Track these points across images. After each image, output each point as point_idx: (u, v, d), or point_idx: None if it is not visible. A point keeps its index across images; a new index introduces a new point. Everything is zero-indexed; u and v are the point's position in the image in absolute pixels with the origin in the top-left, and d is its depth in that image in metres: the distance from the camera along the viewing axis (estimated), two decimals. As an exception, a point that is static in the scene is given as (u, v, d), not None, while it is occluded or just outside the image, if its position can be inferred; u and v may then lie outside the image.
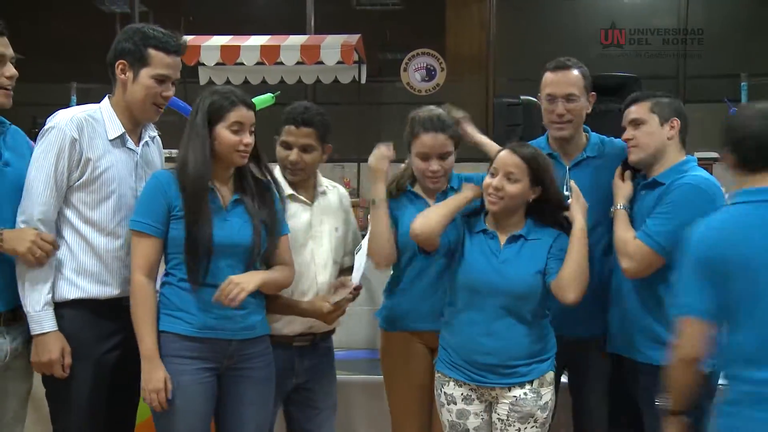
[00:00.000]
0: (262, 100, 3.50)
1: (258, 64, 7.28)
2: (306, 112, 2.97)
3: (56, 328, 2.78)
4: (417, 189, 3.15)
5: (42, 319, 2.74)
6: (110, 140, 2.82)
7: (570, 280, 2.82)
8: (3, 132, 2.81)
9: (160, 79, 2.83)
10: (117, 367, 2.81)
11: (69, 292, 2.83)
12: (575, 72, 3.17)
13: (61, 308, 2.88)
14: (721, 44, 8.92)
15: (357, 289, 3.03)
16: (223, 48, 7.02)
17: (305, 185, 3.06)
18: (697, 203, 2.75)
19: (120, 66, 2.85)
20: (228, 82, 6.99)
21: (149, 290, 2.74)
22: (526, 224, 2.98)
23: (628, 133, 2.98)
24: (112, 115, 2.85)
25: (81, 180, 2.77)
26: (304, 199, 3.05)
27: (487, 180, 2.88)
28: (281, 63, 7.30)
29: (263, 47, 7.24)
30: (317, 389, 3.13)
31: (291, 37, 7.53)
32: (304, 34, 8.20)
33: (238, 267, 2.84)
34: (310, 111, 2.98)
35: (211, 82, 7.87)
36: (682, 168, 2.90)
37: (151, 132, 3.01)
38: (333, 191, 3.18)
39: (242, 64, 7.21)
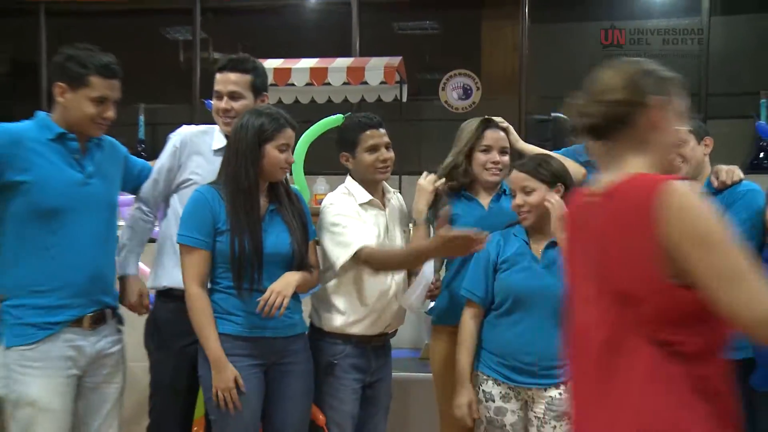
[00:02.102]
0: (331, 120, 3.52)
1: (307, 84, 7.30)
2: (373, 116, 3.06)
3: (136, 273, 2.98)
4: (468, 191, 3.21)
5: (125, 265, 2.98)
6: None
7: None
8: (96, 147, 2.84)
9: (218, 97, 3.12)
10: (195, 360, 2.84)
11: (163, 279, 2.92)
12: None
13: (157, 297, 3.02)
14: (741, 63, 8.77)
15: (433, 291, 3.04)
16: (276, 70, 7.04)
17: (377, 193, 3.10)
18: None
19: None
20: (280, 101, 7.01)
21: (205, 298, 2.77)
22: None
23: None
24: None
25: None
26: (380, 205, 3.09)
27: (513, 202, 2.95)
28: (329, 83, 7.32)
29: (312, 69, 7.26)
30: (381, 387, 3.15)
31: (338, 59, 7.54)
32: (350, 56, 8.21)
33: (278, 273, 2.87)
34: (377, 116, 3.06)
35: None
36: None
37: None
38: (395, 196, 3.23)
39: (293, 84, 7.23)
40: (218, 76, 3.12)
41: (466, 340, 2.98)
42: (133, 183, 3.13)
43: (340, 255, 2.92)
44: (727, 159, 3.34)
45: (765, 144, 7.66)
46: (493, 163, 3.14)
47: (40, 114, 2.81)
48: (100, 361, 2.84)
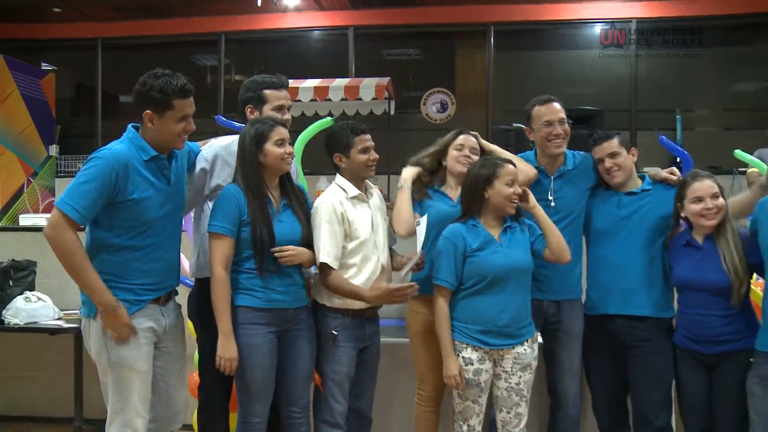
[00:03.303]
0: (322, 123, 3.51)
1: (312, 100, 7.28)
2: (360, 124, 3.05)
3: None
4: (443, 189, 3.21)
5: None
6: None
7: (561, 246, 2.95)
8: (175, 158, 2.81)
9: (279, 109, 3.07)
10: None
11: (206, 271, 2.93)
12: (558, 104, 3.23)
13: (199, 283, 3.02)
14: (662, 86, 8.82)
15: (419, 264, 3.02)
16: (287, 89, 6.99)
17: (362, 189, 3.09)
18: None
19: (249, 109, 3.06)
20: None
21: (226, 280, 2.74)
22: (505, 218, 3.01)
23: None
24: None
25: None
26: (365, 198, 3.07)
27: (509, 190, 2.94)
28: (329, 99, 7.32)
29: (316, 87, 7.26)
30: (372, 351, 3.13)
31: (337, 80, 7.53)
32: (347, 77, 8.19)
33: None
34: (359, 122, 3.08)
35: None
36: None
37: None
38: (375, 192, 3.20)
39: (300, 100, 7.21)
40: (277, 92, 3.07)
41: (446, 318, 2.95)
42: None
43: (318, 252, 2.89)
44: (652, 164, 3.35)
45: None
46: (465, 156, 3.14)
47: (131, 131, 2.72)
48: (170, 330, 2.85)
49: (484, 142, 3.26)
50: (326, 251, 2.84)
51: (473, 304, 2.92)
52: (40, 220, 5.76)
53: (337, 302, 2.93)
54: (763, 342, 2.79)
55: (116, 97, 10.06)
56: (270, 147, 2.79)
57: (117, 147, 2.67)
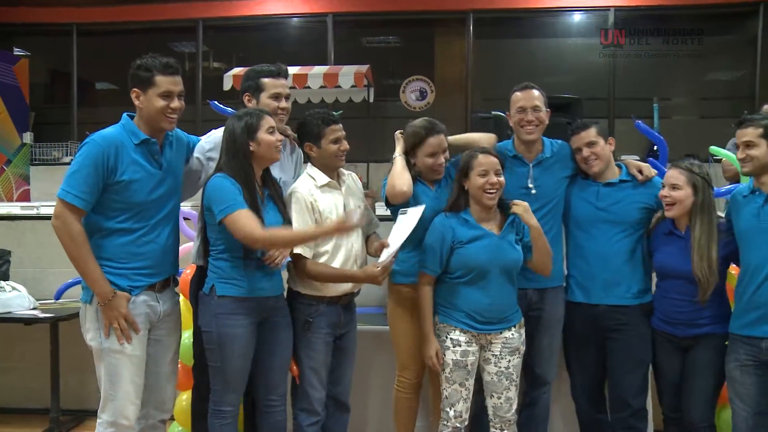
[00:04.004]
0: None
1: (291, 88, 7.20)
2: (332, 113, 3.01)
3: None
4: (420, 177, 3.15)
5: None
6: None
7: (544, 264, 3.01)
8: (169, 145, 2.80)
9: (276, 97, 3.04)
10: None
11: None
12: (536, 91, 3.21)
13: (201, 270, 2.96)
14: (640, 75, 8.88)
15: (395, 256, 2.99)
16: (265, 75, 6.94)
17: (334, 176, 3.06)
18: None
19: (246, 97, 3.05)
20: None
21: (276, 230, 2.77)
22: (496, 212, 3.00)
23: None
24: None
25: None
26: (337, 186, 3.04)
27: (482, 180, 2.92)
28: (309, 87, 7.27)
29: (295, 75, 7.20)
30: (349, 338, 3.11)
31: (316, 67, 7.48)
32: (326, 65, 8.13)
33: None
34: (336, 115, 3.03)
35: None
36: None
37: None
38: (349, 177, 3.17)
39: (279, 88, 7.13)
40: (274, 81, 3.05)
41: (429, 303, 2.96)
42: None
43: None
44: (631, 151, 3.36)
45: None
46: (439, 164, 3.11)
47: (125, 117, 2.76)
48: (165, 318, 2.83)
49: (450, 138, 3.25)
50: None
51: (460, 293, 2.92)
52: (15, 208, 5.67)
53: (312, 290, 2.92)
54: (736, 325, 2.87)
55: (92, 84, 9.93)
56: (263, 135, 2.76)
57: (108, 131, 2.71)
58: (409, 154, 3.14)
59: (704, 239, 2.91)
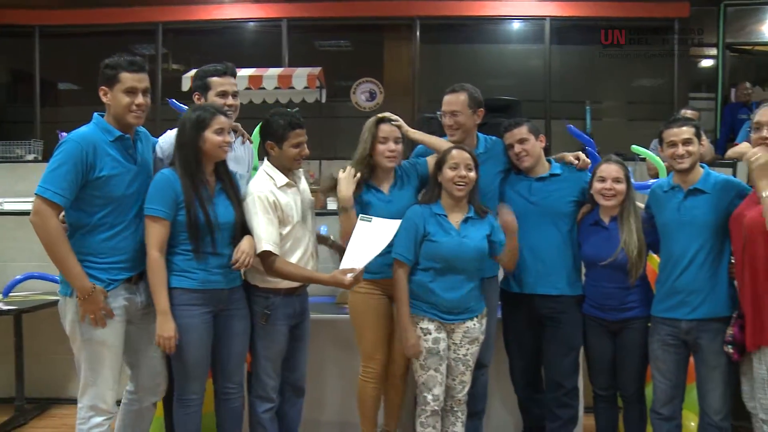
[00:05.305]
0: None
1: (246, 88, 7.14)
2: (299, 117, 2.93)
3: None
4: (372, 181, 3.15)
5: None
6: None
7: (512, 264, 3.07)
8: (140, 140, 2.77)
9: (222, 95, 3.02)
10: None
11: None
12: (462, 95, 3.21)
13: None
14: (574, 79, 9.01)
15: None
16: (222, 77, 6.85)
17: (290, 175, 3.03)
18: None
19: (196, 96, 3.04)
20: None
21: (162, 263, 2.66)
22: (469, 208, 3.02)
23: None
24: None
25: None
26: (294, 183, 3.02)
27: (452, 173, 2.94)
28: (263, 88, 7.21)
29: (250, 76, 7.14)
30: (303, 326, 3.09)
31: (271, 69, 7.43)
32: (281, 66, 8.07)
33: (227, 238, 2.80)
34: (298, 115, 2.96)
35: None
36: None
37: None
38: (302, 180, 3.15)
39: (235, 88, 7.05)
40: (220, 79, 2.99)
41: (405, 293, 2.94)
42: None
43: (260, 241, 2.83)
44: (565, 149, 3.42)
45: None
46: (390, 151, 3.07)
47: (96, 116, 2.73)
48: (145, 308, 2.80)
49: (406, 128, 3.21)
50: (267, 238, 2.79)
51: (427, 285, 2.93)
52: (-23, 204, 5.48)
53: (269, 283, 2.89)
54: (659, 309, 2.97)
55: (55, 84, 9.66)
56: (209, 134, 2.72)
57: (83, 130, 2.67)
58: (371, 149, 3.06)
59: (634, 223, 3.00)
